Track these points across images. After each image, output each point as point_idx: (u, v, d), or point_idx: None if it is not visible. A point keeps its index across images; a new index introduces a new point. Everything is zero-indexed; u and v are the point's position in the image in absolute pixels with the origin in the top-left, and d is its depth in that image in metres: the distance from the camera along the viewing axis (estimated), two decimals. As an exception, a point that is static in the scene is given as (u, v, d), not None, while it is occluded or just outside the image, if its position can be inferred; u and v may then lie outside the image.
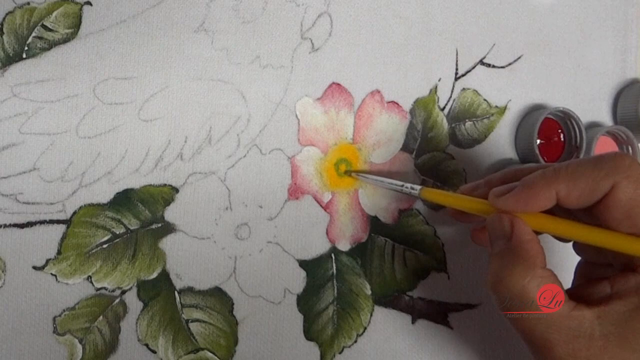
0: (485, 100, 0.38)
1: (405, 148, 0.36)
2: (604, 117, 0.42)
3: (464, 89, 0.38)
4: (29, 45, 0.30)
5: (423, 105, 0.36)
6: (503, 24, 0.39)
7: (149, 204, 0.31)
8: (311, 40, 0.34)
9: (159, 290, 0.31)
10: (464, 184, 0.37)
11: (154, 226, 0.31)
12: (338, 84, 0.35)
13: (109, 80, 0.30)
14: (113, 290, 0.30)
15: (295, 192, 0.33)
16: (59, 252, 0.29)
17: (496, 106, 0.39)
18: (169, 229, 0.31)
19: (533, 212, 0.26)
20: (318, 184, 0.34)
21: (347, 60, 0.35)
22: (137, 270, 0.31)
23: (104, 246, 0.30)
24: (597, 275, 0.28)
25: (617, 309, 0.24)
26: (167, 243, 0.31)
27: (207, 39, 0.32)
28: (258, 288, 0.32)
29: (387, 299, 0.35)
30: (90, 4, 0.31)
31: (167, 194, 0.31)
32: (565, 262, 0.30)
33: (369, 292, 0.35)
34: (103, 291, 0.30)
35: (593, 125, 0.41)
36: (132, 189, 0.31)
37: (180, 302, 0.31)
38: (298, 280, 0.33)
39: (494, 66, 0.39)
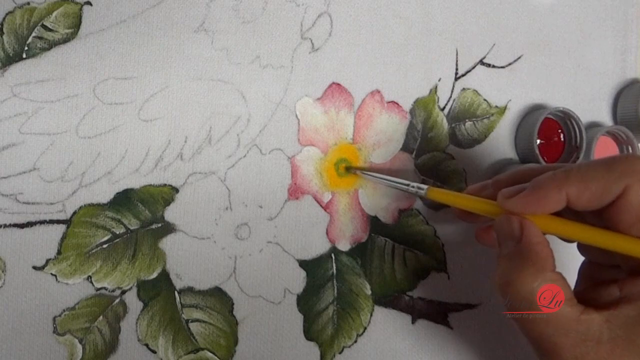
0: (485, 100, 0.38)
1: (405, 148, 0.36)
2: (604, 117, 0.42)
3: (464, 89, 0.38)
4: (29, 45, 0.30)
5: (423, 105, 0.37)
6: (503, 24, 0.39)
7: (149, 204, 0.31)
8: (311, 40, 0.34)
9: (159, 290, 0.31)
10: (464, 184, 0.37)
11: (154, 226, 0.31)
12: (338, 84, 0.35)
13: (109, 80, 0.30)
14: (113, 290, 0.30)
15: (295, 192, 0.33)
16: (59, 252, 0.29)
17: (496, 106, 0.39)
18: (169, 229, 0.31)
19: (542, 214, 0.25)
20: (318, 184, 0.34)
21: (347, 60, 0.35)
22: (137, 270, 0.31)
23: (104, 246, 0.30)
24: (601, 276, 0.27)
25: (626, 313, 0.23)
26: (167, 243, 0.31)
27: (207, 39, 0.32)
28: (258, 288, 0.32)
29: (387, 299, 0.35)
30: (90, 4, 0.31)
31: (167, 194, 0.31)
32: (567, 262, 0.30)
33: (369, 292, 0.35)
34: (103, 291, 0.30)
35: (593, 125, 0.41)
36: (132, 189, 0.31)
37: (180, 302, 0.31)
38: (298, 280, 0.33)
39: (494, 66, 0.39)
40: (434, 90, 0.37)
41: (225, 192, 0.32)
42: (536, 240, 0.25)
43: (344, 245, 0.34)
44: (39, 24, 0.30)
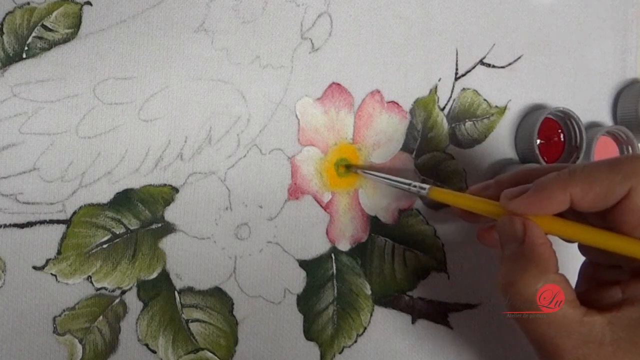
0: (485, 100, 0.38)
1: (405, 148, 0.36)
2: (604, 117, 0.42)
3: (464, 89, 0.38)
4: (29, 45, 0.30)
5: (423, 105, 0.37)
6: (503, 24, 0.39)
7: (149, 204, 0.31)
8: (311, 40, 0.34)
9: (159, 290, 0.31)
10: (464, 184, 0.37)
11: (154, 226, 0.31)
12: (338, 84, 0.35)
13: (109, 80, 0.30)
14: (113, 290, 0.30)
15: (295, 192, 0.33)
16: (59, 252, 0.29)
17: (496, 106, 0.39)
18: (169, 229, 0.31)
19: (545, 215, 0.25)
20: (318, 184, 0.34)
21: (347, 60, 0.35)
22: (137, 270, 0.31)
23: (104, 246, 0.30)
24: (602, 276, 0.27)
25: (628, 315, 0.23)
26: (167, 243, 0.31)
27: (207, 39, 0.32)
28: (258, 288, 0.32)
29: (387, 299, 0.35)
30: (90, 4, 0.31)
31: (167, 194, 0.31)
32: (567, 262, 0.30)
33: (369, 292, 0.35)
34: (103, 291, 0.30)
35: (593, 125, 0.41)
36: (132, 189, 0.31)
37: (180, 302, 0.31)
38: (298, 280, 0.33)
39: (494, 66, 0.39)
40: (434, 90, 0.37)
41: (225, 192, 0.32)
42: (539, 242, 0.25)
43: (344, 245, 0.34)
44: (39, 24, 0.30)
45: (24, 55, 0.30)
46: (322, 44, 0.34)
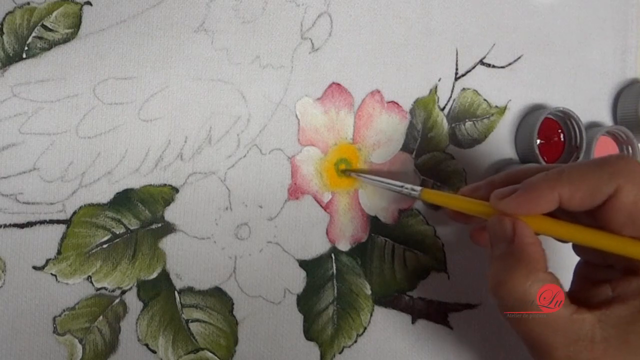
0: (485, 100, 0.38)
1: (405, 148, 0.36)
2: (604, 117, 0.42)
3: (464, 89, 0.38)
4: (29, 45, 0.30)
5: (423, 105, 0.37)
6: (503, 24, 0.39)
7: (149, 204, 0.31)
8: (311, 40, 0.34)
9: (159, 290, 0.31)
10: (464, 184, 0.37)
11: (154, 226, 0.31)
12: (338, 84, 0.35)
13: (109, 80, 0.30)
14: (113, 290, 0.30)
15: (295, 192, 0.33)
16: (59, 252, 0.29)
17: (496, 106, 0.39)
18: (169, 229, 0.31)
19: (535, 215, 0.26)
20: (318, 184, 0.34)
21: (347, 60, 0.35)
22: (137, 270, 0.31)
23: (104, 246, 0.30)
24: (597, 276, 0.27)
25: (618, 312, 0.24)
26: (167, 243, 0.31)
27: (207, 39, 0.32)
28: (258, 288, 0.32)
29: (387, 299, 0.35)
30: (90, 4, 0.31)
31: (167, 194, 0.31)
32: (564, 262, 0.30)
33: (369, 292, 0.35)
34: (103, 291, 0.30)
35: (593, 125, 0.41)
36: (132, 189, 0.31)
37: (180, 302, 0.31)
38: (298, 280, 0.33)
39: (494, 66, 0.39)
40: (434, 90, 0.37)
41: (225, 192, 0.32)
42: (528, 241, 0.25)
43: (344, 245, 0.34)
44: (39, 24, 0.30)
45: (24, 55, 0.30)
46: (322, 44, 0.34)
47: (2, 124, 0.29)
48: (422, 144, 0.36)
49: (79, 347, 0.29)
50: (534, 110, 0.39)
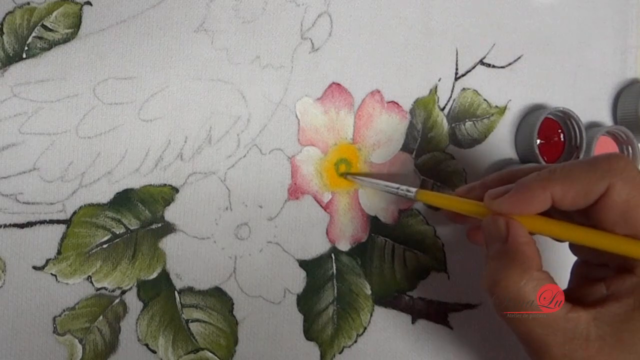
0: (485, 100, 0.38)
1: (405, 148, 0.36)
2: (604, 117, 0.42)
3: (464, 89, 0.38)
4: (29, 45, 0.30)
5: (423, 105, 0.37)
6: (503, 24, 0.39)
7: (149, 204, 0.31)
8: (311, 40, 0.34)
9: (159, 290, 0.31)
10: (464, 184, 0.37)
11: (154, 226, 0.31)
12: (338, 84, 0.35)
13: (109, 80, 0.30)
14: (113, 290, 0.30)
15: (295, 192, 0.33)
16: (59, 252, 0.29)
17: (496, 106, 0.39)
18: (169, 229, 0.31)
19: (528, 214, 0.26)
20: (318, 184, 0.34)
21: (347, 60, 0.35)
22: (137, 270, 0.31)
23: (104, 246, 0.30)
24: (594, 275, 0.28)
25: (613, 310, 0.24)
26: (167, 243, 0.31)
27: (207, 39, 0.32)
28: (258, 288, 0.32)
29: (387, 299, 0.35)
30: (90, 4, 0.31)
31: (167, 194, 0.31)
32: (562, 261, 0.30)
33: (369, 292, 0.35)
34: (103, 291, 0.30)
35: (593, 125, 0.41)
36: (132, 189, 0.31)
37: (180, 302, 0.31)
38: (298, 280, 0.33)
39: (494, 66, 0.39)
40: (434, 90, 0.37)
41: (225, 192, 0.32)
42: (522, 240, 0.25)
43: (344, 245, 0.34)
44: (39, 24, 0.30)
45: (24, 55, 0.30)
46: (322, 44, 0.34)
47: (2, 124, 0.29)
48: (422, 144, 0.36)
49: (79, 347, 0.29)
50: (534, 110, 0.39)
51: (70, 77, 0.30)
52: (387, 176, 0.35)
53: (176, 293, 0.31)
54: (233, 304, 0.32)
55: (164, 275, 0.31)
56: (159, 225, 0.31)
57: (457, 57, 0.38)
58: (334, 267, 0.34)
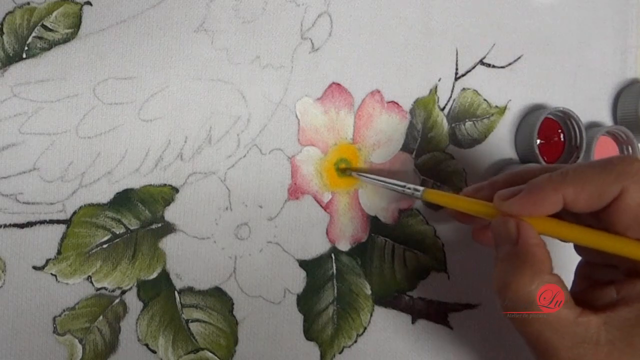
0: (485, 100, 0.38)
1: (405, 148, 0.36)
2: (604, 117, 0.42)
3: (464, 89, 0.38)
4: (29, 45, 0.30)
5: (423, 105, 0.37)
6: (503, 24, 0.39)
7: (149, 204, 0.31)
8: (311, 40, 0.34)
9: (159, 290, 0.31)
10: (464, 184, 0.37)
11: (154, 226, 0.31)
12: (338, 84, 0.35)
13: (109, 80, 0.30)
14: (113, 290, 0.30)
15: (295, 192, 0.33)
16: (59, 252, 0.29)
17: (496, 106, 0.39)
18: (169, 229, 0.31)
19: (539, 216, 0.25)
20: (318, 184, 0.34)
21: (347, 60, 0.35)
22: (137, 270, 0.31)
23: (104, 246, 0.30)
24: (598, 276, 0.27)
25: (623, 315, 0.23)
26: (167, 243, 0.31)
27: (207, 39, 0.32)
28: (258, 288, 0.32)
29: (387, 299, 0.35)
30: (90, 4, 0.31)
31: (167, 194, 0.31)
32: (564, 261, 0.30)
33: (369, 292, 0.35)
34: (103, 291, 0.30)
35: (593, 125, 0.41)
36: (132, 189, 0.31)
37: (180, 302, 0.31)
38: (298, 280, 0.33)
39: (494, 66, 0.39)
40: (434, 90, 0.37)
41: (225, 192, 0.32)
42: (533, 242, 0.25)
43: (344, 245, 0.34)
44: (39, 24, 0.30)
45: (24, 55, 0.30)
46: (322, 44, 0.34)
47: (2, 124, 0.29)
48: (422, 144, 0.36)
49: (79, 347, 0.29)
50: (534, 110, 0.39)
51: (70, 77, 0.30)
52: (388, 176, 0.35)
53: (176, 293, 0.31)
54: (233, 304, 0.32)
55: (164, 275, 0.31)
56: (159, 225, 0.31)
57: (457, 57, 0.38)
58: (334, 267, 0.34)
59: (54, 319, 0.29)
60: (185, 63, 0.32)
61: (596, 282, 0.27)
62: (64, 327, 0.29)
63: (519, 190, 0.26)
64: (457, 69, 0.38)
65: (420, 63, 0.37)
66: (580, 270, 0.29)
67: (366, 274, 0.35)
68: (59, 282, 0.29)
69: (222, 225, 0.32)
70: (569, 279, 0.28)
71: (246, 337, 0.32)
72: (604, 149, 0.40)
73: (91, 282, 0.30)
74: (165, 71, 0.31)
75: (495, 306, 0.37)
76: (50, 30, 0.30)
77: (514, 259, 0.25)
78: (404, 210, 0.36)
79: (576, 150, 0.38)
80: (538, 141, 0.38)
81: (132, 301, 0.30)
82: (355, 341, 0.34)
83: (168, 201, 0.31)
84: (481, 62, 0.38)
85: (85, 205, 0.30)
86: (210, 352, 0.31)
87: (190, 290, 0.31)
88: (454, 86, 0.37)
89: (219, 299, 0.32)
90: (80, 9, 0.31)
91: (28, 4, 0.30)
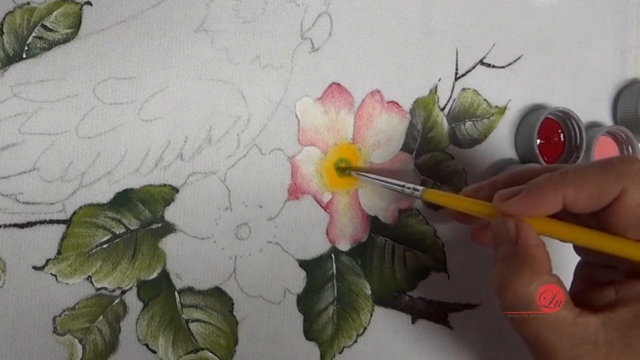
0: (485, 100, 0.38)
1: (405, 148, 0.36)
2: (604, 117, 0.42)
3: (464, 89, 0.38)
4: (29, 45, 0.30)
5: (423, 105, 0.37)
6: (503, 24, 0.39)
7: (149, 204, 0.31)
8: (311, 40, 0.34)
9: (159, 290, 0.31)
10: (464, 184, 0.37)
11: (154, 226, 0.31)
12: (338, 84, 0.35)
13: (109, 80, 0.30)
14: (113, 290, 0.30)
15: (295, 192, 0.33)
16: (59, 252, 0.29)
17: (496, 106, 0.39)
18: (169, 229, 0.31)
19: (539, 216, 0.25)
20: (318, 184, 0.34)
21: (347, 60, 0.35)
22: (137, 270, 0.31)
23: (104, 246, 0.30)
24: (597, 276, 0.27)
25: (622, 315, 0.23)
26: (167, 243, 0.31)
27: (207, 39, 0.32)
28: (258, 288, 0.32)
29: (387, 299, 0.35)
30: (90, 4, 0.31)
31: (167, 194, 0.31)
32: (563, 261, 0.30)
33: (369, 292, 0.35)
34: (103, 291, 0.30)
35: (593, 125, 0.41)
36: (132, 189, 0.31)
37: (180, 302, 0.31)
38: (298, 280, 0.33)
39: (494, 66, 0.39)
40: (434, 90, 0.37)
41: (225, 192, 0.32)
42: (532, 243, 0.25)
43: (344, 245, 0.34)
44: (39, 24, 0.30)
45: (24, 55, 0.30)
46: (322, 44, 0.34)
47: (2, 124, 0.29)
48: (422, 144, 0.36)
49: (79, 347, 0.29)
50: (534, 110, 0.39)
51: (70, 77, 0.30)
52: (388, 176, 0.35)
53: (176, 293, 0.31)
54: (233, 304, 0.32)
55: (164, 275, 0.31)
56: (159, 225, 0.31)
57: (457, 57, 0.38)
58: (334, 267, 0.34)
59: (54, 319, 0.29)
60: (185, 63, 0.32)
61: (595, 282, 0.27)
62: (64, 327, 0.29)
63: (518, 191, 0.26)
64: (457, 69, 0.38)
65: (420, 63, 0.37)
66: (579, 271, 0.29)
67: (366, 274, 0.35)
68: (59, 282, 0.29)
69: (222, 225, 0.32)
70: (568, 279, 0.28)
71: (246, 337, 0.32)
72: (604, 149, 0.40)
73: (91, 282, 0.30)
74: (165, 71, 0.31)
75: (495, 306, 0.37)
76: (50, 30, 0.30)
77: (513, 259, 0.25)
78: (404, 210, 0.36)
79: (576, 150, 0.38)
80: (538, 141, 0.38)
81: (132, 301, 0.30)
82: (355, 341, 0.34)
83: (168, 201, 0.31)
84: (481, 62, 0.38)
85: (85, 205, 0.30)
86: (210, 352, 0.31)
87: (190, 290, 0.31)
88: (454, 86, 0.37)
89: (219, 299, 0.32)
90: (80, 9, 0.31)
91: (28, 4, 0.30)
